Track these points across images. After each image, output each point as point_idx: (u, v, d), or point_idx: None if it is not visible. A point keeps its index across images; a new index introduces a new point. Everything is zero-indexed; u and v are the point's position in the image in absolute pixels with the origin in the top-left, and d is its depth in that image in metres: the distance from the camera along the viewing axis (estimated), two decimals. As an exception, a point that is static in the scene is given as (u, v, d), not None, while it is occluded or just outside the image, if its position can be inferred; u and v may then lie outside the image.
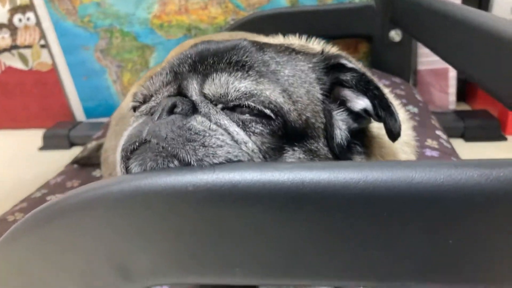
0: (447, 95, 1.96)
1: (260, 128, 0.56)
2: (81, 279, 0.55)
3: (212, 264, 0.51)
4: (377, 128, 0.74)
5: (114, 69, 2.04)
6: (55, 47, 2.00)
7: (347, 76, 0.64)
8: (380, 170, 0.45)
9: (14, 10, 2.10)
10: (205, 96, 0.58)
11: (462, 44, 1.02)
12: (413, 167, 0.45)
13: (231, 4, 1.87)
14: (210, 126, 0.54)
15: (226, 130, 0.54)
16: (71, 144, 2.07)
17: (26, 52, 2.17)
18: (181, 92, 0.59)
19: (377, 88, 0.63)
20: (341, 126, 0.64)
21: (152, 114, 0.57)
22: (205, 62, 0.60)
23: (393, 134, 0.63)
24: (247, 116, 0.56)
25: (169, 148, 0.52)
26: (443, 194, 0.43)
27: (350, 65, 0.65)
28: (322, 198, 0.46)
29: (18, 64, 2.19)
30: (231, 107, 0.57)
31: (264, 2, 1.85)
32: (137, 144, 0.54)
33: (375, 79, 0.65)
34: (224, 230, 0.49)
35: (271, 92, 0.56)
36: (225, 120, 0.55)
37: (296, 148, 0.58)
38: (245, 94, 0.56)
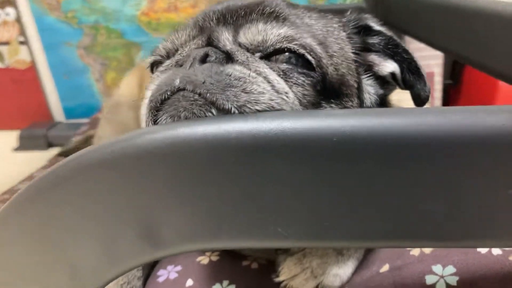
0: (433, 99, 1.99)
1: (302, 78, 0.52)
2: (102, 246, 0.49)
3: (254, 224, 0.46)
4: (396, 100, 0.73)
5: (98, 68, 1.97)
6: (35, 44, 1.92)
7: (374, 40, 0.63)
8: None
9: (-8, 4, 2.01)
10: (240, 45, 0.54)
11: (461, 31, 1.03)
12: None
13: (222, 3, 1.85)
14: (249, 73, 0.50)
15: (266, 78, 0.50)
16: (49, 145, 1.97)
17: (3, 49, 2.07)
18: (211, 44, 0.55)
19: (406, 51, 0.62)
20: (370, 91, 0.62)
21: (180, 66, 0.52)
22: (235, 14, 0.57)
23: (421, 98, 0.61)
24: (287, 66, 0.53)
25: (208, 95, 0.47)
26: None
27: (377, 27, 0.63)
28: (384, 147, 0.42)
29: (-7, 62, 2.09)
30: (270, 57, 0.53)
31: (255, 2, 1.84)
32: (168, 93, 0.48)
33: (402, 42, 0.63)
34: (270, 183, 0.45)
35: (311, 41, 0.53)
36: (265, 69, 0.51)
37: (333, 105, 0.55)
38: (286, 37, 0.52)
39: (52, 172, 0.49)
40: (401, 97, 0.74)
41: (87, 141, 1.28)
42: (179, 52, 0.57)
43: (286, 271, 0.64)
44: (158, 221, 0.48)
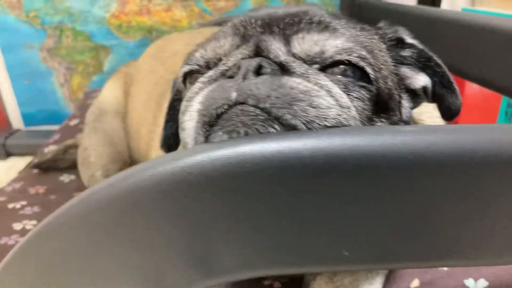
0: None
1: (362, 92, 0.50)
2: (146, 279, 0.45)
3: (321, 247, 0.44)
4: (417, 113, 0.73)
5: (63, 71, 1.85)
6: (-8, 45, 1.78)
7: (406, 52, 0.62)
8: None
9: None
10: (294, 56, 0.51)
11: (436, 39, 1.05)
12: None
13: (197, 8, 1.80)
14: (313, 87, 0.47)
15: (329, 92, 0.47)
16: (8, 154, 1.82)
17: (-48, 50, 1.89)
18: (260, 54, 0.51)
19: (438, 65, 0.62)
20: (405, 104, 0.61)
21: (228, 78, 0.49)
22: (282, 23, 0.54)
23: (452, 112, 0.61)
24: (346, 79, 0.50)
25: (273, 109, 0.44)
26: None
27: (410, 40, 0.62)
28: (466, 164, 0.41)
29: None
30: (326, 69, 0.51)
31: (231, 7, 1.81)
32: (225, 107, 0.45)
33: (434, 55, 0.63)
34: (343, 203, 0.42)
35: (366, 53, 0.51)
36: (326, 81, 0.48)
37: (383, 120, 0.54)
38: (345, 49, 0.50)
39: (83, 201, 0.43)
40: (422, 110, 0.74)
41: (66, 152, 1.18)
42: (223, 62, 0.53)
43: (318, 291, 0.62)
44: (215, 248, 0.44)
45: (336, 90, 0.48)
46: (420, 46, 0.62)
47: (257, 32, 0.54)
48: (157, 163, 0.43)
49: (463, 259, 0.46)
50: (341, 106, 0.47)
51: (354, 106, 0.49)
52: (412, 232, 0.44)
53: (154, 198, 0.42)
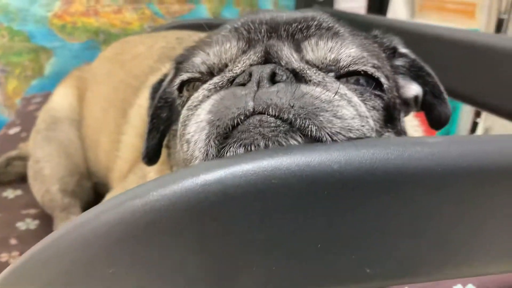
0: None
1: (377, 101, 0.49)
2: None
3: (344, 265, 0.41)
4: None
5: (-3, 74, 1.68)
6: None
7: (399, 62, 0.62)
8: None
9: None
10: (308, 62, 0.48)
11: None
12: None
13: (149, 11, 1.72)
14: (334, 96, 0.44)
15: (349, 101, 0.45)
16: None
17: None
18: (269, 60, 0.48)
19: (429, 75, 0.62)
20: (401, 113, 0.60)
21: (238, 86, 0.45)
22: (289, 28, 0.50)
23: (442, 121, 0.61)
24: (362, 87, 0.48)
25: (298, 121, 0.40)
26: None
27: (403, 50, 0.62)
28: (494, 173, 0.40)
29: None
30: (341, 78, 0.48)
31: (184, 11, 1.75)
32: (242, 117, 0.41)
33: (425, 65, 0.63)
34: (374, 218, 0.40)
35: (377, 62, 0.50)
36: (345, 90, 0.46)
37: (390, 130, 0.53)
38: (360, 59, 0.49)
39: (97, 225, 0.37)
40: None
41: (8, 164, 1.05)
42: (229, 68, 0.48)
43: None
44: (234, 276, 0.40)
45: (356, 99, 0.46)
46: (412, 56, 0.62)
47: (263, 37, 0.51)
48: (172, 179, 0.38)
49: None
50: (361, 116, 0.45)
51: (371, 116, 0.48)
52: (442, 243, 0.43)
53: (173, 226, 0.37)
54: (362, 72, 0.49)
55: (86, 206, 0.99)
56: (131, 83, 0.99)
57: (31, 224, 0.95)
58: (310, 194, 0.38)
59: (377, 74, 0.49)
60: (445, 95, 0.62)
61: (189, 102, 0.49)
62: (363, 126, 0.44)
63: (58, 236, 0.38)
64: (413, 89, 0.62)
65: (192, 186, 0.37)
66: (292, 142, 0.41)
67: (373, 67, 0.49)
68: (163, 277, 0.39)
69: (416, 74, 0.62)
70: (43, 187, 0.92)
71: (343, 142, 0.41)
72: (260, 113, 0.41)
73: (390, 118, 0.53)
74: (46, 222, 0.96)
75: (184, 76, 0.52)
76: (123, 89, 0.99)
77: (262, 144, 0.40)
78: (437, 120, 0.62)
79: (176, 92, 0.55)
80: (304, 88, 0.43)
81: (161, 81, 0.65)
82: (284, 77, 0.45)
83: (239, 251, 0.39)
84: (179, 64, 0.60)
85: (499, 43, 0.82)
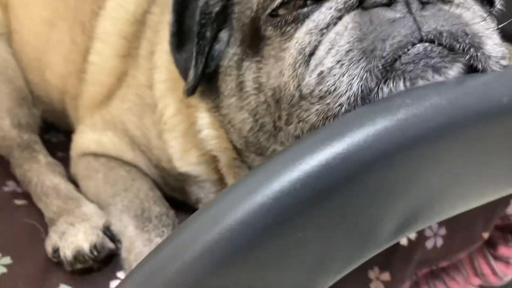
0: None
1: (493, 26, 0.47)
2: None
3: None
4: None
5: None
6: None
7: None
8: None
9: None
10: None
11: None
12: None
13: None
14: (483, 20, 0.41)
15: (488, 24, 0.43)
16: None
17: None
18: None
19: None
20: None
21: (365, 8, 0.40)
22: None
23: None
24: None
25: (471, 49, 0.39)
26: None
27: None
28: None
29: None
30: None
31: None
32: (409, 46, 0.37)
33: None
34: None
35: None
36: (483, 12, 0.43)
37: None
38: None
39: None
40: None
41: None
42: None
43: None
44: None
45: (490, 22, 0.44)
46: None
47: None
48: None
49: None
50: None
51: None
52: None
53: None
54: None
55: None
56: None
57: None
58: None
59: None
60: None
61: (311, 25, 0.42)
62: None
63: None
64: None
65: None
66: (458, 73, 0.39)
67: None
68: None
69: None
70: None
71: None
72: (423, 41, 0.38)
73: None
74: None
75: None
76: None
77: (431, 77, 0.38)
78: None
79: (265, 13, 0.45)
80: (457, 11, 0.41)
81: None
82: None
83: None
84: None
85: None
